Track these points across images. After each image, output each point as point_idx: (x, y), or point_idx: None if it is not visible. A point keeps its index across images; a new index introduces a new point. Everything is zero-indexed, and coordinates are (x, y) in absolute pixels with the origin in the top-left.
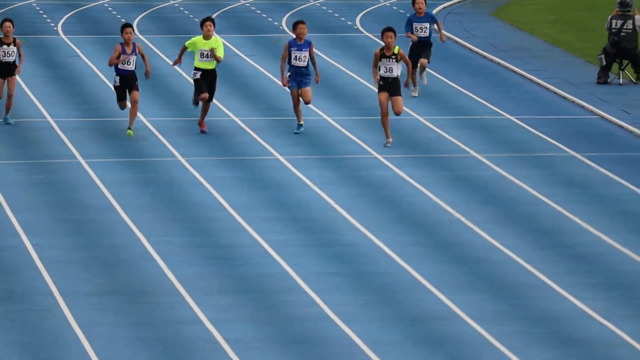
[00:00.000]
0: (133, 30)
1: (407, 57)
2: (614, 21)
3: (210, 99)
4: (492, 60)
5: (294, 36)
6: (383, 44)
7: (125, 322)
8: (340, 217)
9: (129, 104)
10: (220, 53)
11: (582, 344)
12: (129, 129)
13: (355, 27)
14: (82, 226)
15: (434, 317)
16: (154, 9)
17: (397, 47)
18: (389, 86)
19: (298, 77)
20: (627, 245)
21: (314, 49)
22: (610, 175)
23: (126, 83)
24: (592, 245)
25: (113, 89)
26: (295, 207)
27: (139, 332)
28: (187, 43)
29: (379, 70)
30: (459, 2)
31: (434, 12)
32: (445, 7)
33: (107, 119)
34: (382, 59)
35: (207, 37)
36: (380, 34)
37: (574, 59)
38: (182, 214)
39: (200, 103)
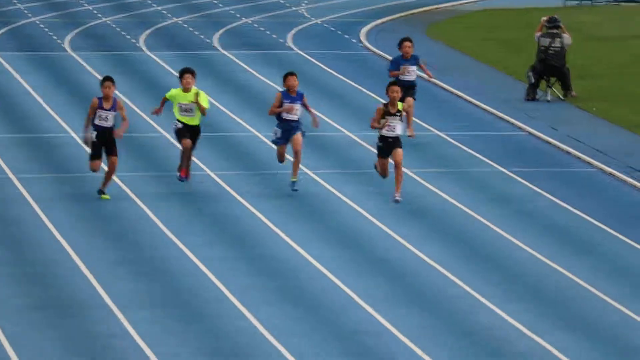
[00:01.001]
0: (113, 83)
1: (408, 106)
2: (542, 39)
3: (193, 147)
4: (422, 77)
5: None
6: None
7: (56, 336)
8: (269, 231)
9: (104, 167)
10: (204, 103)
11: (511, 357)
12: (104, 193)
13: (287, 44)
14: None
15: (363, 332)
16: (86, 26)
17: (401, 104)
18: (390, 147)
19: (287, 133)
20: (553, 258)
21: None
22: (537, 190)
23: (103, 139)
24: (520, 258)
25: (85, 144)
26: (225, 221)
27: (68, 345)
28: (167, 95)
29: (380, 131)
30: (391, 19)
31: (367, 28)
32: (377, 25)
33: (38, 135)
34: (386, 116)
35: (186, 89)
36: (313, 57)
37: (503, 76)
38: (113, 228)
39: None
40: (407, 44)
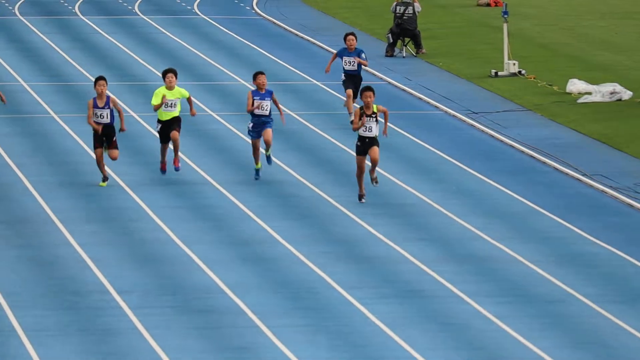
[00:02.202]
0: (106, 82)
1: (384, 107)
2: (398, 7)
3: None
4: (302, 37)
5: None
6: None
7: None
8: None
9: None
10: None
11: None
12: (104, 180)
13: (194, 10)
14: None
15: (258, 241)
16: None
17: (375, 106)
18: (366, 147)
19: (258, 127)
20: (413, 185)
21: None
22: (396, 128)
23: (104, 132)
24: (385, 188)
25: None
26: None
27: (23, 253)
28: (153, 101)
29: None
30: None
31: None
32: None
33: None
34: (362, 118)
35: (170, 87)
36: (215, 21)
37: (367, 37)
38: (56, 158)
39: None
40: (350, 37)
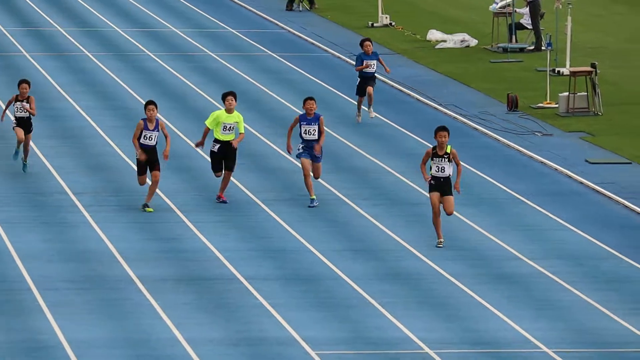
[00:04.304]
0: (156, 107)
1: (458, 157)
2: None
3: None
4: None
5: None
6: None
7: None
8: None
9: (148, 181)
10: (240, 129)
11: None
12: (147, 205)
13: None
14: None
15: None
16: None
17: (449, 147)
18: (441, 186)
19: (308, 150)
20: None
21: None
22: (291, 65)
23: (148, 157)
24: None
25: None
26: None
27: None
28: (207, 122)
29: (431, 169)
30: None
31: None
32: None
33: None
34: (434, 159)
35: (229, 110)
36: None
37: None
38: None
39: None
40: (367, 43)
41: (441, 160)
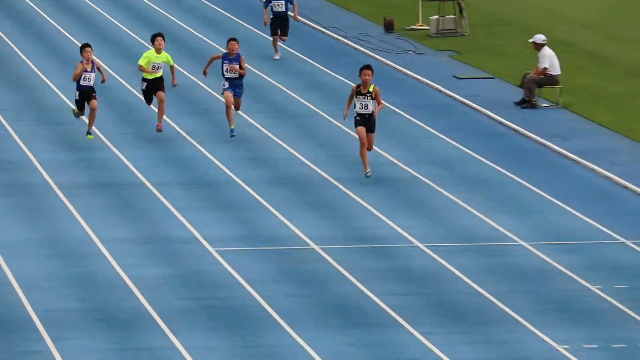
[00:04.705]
0: (91, 49)
1: (380, 96)
2: None
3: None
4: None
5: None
6: None
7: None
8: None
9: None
10: (170, 62)
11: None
12: (89, 133)
13: None
14: None
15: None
16: None
17: (372, 85)
18: (366, 122)
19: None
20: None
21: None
22: (259, 32)
23: (85, 97)
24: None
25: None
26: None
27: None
28: (141, 61)
29: (355, 106)
30: None
31: None
32: None
33: None
34: (358, 96)
35: (158, 50)
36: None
37: None
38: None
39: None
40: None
41: (364, 97)
